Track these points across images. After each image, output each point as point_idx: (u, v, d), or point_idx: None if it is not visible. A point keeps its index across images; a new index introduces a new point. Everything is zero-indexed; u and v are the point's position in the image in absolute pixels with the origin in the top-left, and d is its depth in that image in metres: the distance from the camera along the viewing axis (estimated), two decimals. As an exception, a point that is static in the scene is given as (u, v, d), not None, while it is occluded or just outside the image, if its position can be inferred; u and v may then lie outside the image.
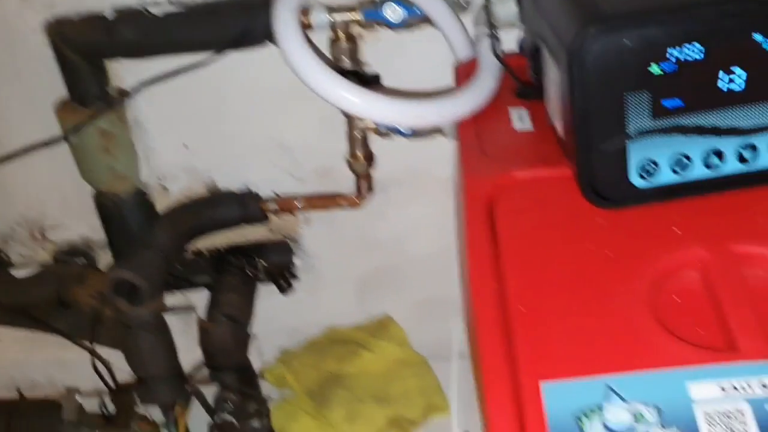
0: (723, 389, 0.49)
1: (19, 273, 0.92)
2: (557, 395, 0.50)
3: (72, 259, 0.96)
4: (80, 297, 0.89)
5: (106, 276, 0.91)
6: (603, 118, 0.52)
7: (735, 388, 0.49)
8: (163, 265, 0.85)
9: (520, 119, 0.70)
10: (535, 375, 0.51)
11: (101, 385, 0.98)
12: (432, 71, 0.86)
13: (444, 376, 1.02)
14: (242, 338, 0.88)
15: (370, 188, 0.93)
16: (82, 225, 0.98)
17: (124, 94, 0.87)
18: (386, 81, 0.86)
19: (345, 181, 0.94)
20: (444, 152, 0.85)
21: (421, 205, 0.97)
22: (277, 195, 0.96)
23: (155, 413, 0.94)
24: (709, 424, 0.47)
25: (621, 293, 0.54)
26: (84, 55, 0.83)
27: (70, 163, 0.90)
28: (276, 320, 1.02)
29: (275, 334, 1.03)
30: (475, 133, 0.70)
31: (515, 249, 0.59)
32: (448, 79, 0.85)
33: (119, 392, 0.93)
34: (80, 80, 0.84)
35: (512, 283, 0.56)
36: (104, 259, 0.99)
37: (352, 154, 0.90)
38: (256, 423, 0.90)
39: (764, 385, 0.48)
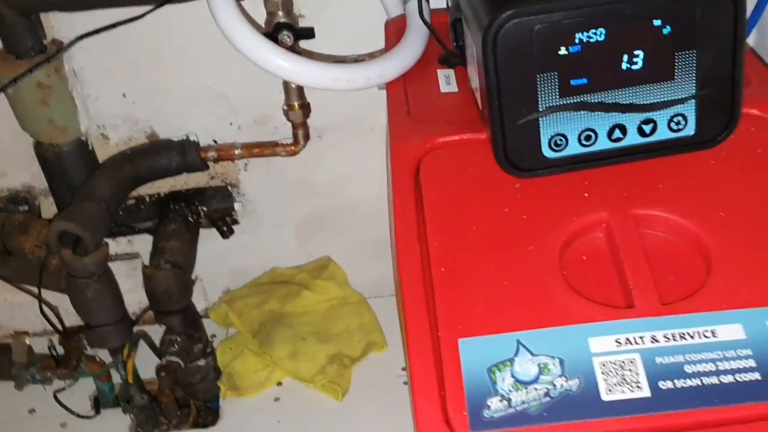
0: (618, 343, 0.54)
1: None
2: (473, 350, 0.55)
3: (14, 207, 0.98)
4: (25, 246, 0.91)
5: (49, 225, 0.94)
6: (516, 96, 0.55)
7: (629, 341, 0.54)
8: (105, 214, 0.87)
9: (447, 81, 0.73)
10: (453, 333, 0.56)
11: (50, 327, 1.01)
12: (366, 23, 0.89)
13: (381, 313, 1.08)
14: (185, 283, 0.92)
15: (306, 136, 0.96)
16: (24, 173, 0.99)
17: (60, 47, 0.87)
18: (320, 33, 0.88)
19: (283, 129, 0.97)
20: (379, 100, 0.87)
21: (356, 151, 1.01)
22: (216, 143, 0.98)
23: (104, 355, 0.98)
24: (604, 374, 0.53)
25: (534, 255, 0.59)
26: (19, 8, 0.83)
27: (9, 113, 0.91)
28: (219, 263, 1.06)
29: (219, 276, 1.07)
30: (403, 94, 0.74)
31: (438, 212, 0.63)
32: (381, 30, 0.87)
33: (67, 335, 0.96)
34: (16, 33, 0.85)
35: (434, 245, 0.61)
36: (46, 206, 1.01)
37: (288, 104, 0.93)
38: (201, 362, 0.94)
39: (654, 339, 0.54)
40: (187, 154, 0.95)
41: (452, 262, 0.60)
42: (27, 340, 0.96)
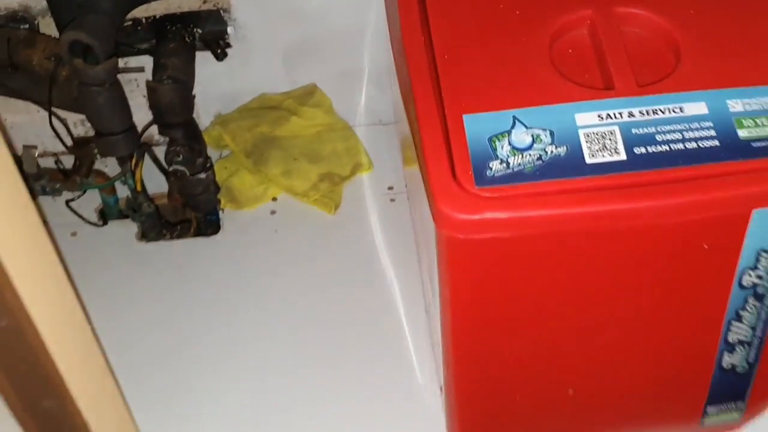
0: (600, 117, 0.63)
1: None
2: (476, 125, 0.63)
3: (15, 25, 1.01)
4: (32, 59, 0.95)
5: (56, 39, 0.98)
6: None
7: (609, 116, 0.63)
8: (112, 27, 0.92)
9: None
10: (458, 110, 0.64)
11: (54, 148, 1.07)
12: None
13: (365, 140, 1.16)
14: (186, 97, 0.98)
15: (299, -38, 1.01)
16: (21, -8, 1.02)
17: None
18: None
19: (276, -45, 1.01)
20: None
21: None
22: (211, -33, 1.02)
23: (111, 170, 1.05)
24: (588, 142, 0.62)
25: (527, 45, 0.67)
26: None
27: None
28: (211, 88, 1.11)
29: (211, 101, 1.13)
30: None
31: (439, 8, 0.70)
32: None
33: (78, 145, 1.02)
34: None
35: (437, 36, 0.68)
36: (44, 26, 1.04)
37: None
38: (202, 175, 1.02)
39: (630, 114, 0.63)
40: (183, -23, 0.99)
41: (454, 51, 0.67)
42: (35, 153, 1.02)
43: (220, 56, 1.06)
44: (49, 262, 0.58)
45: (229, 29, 1.06)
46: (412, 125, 0.69)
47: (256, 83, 1.14)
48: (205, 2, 1.05)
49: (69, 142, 1.04)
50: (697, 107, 0.63)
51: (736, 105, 0.63)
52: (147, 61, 1.03)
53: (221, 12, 1.06)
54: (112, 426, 0.67)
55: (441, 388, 0.82)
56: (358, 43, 1.13)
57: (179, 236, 1.07)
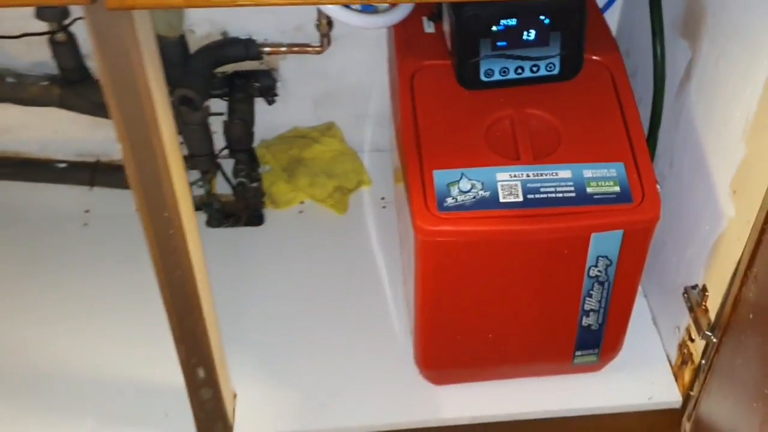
0: (510, 176, 1.09)
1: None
2: (440, 176, 1.08)
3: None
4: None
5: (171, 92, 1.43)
6: (469, 49, 1.08)
7: (515, 175, 1.09)
8: (204, 84, 1.38)
9: (428, 26, 1.24)
10: (431, 167, 1.09)
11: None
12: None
13: (366, 162, 1.62)
14: (249, 132, 1.44)
15: (329, 42, 1.46)
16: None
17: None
18: None
19: (313, 35, 1.47)
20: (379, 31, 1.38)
21: (360, 54, 1.52)
22: (268, 41, 1.47)
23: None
24: (502, 189, 1.08)
25: (472, 130, 1.13)
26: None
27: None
28: (260, 122, 1.56)
29: (259, 131, 1.58)
30: (403, 31, 1.25)
31: (425, 102, 1.16)
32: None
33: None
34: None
35: (422, 120, 1.14)
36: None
37: (319, 21, 1.42)
38: (255, 184, 1.48)
39: (527, 175, 1.09)
40: (249, 48, 1.44)
41: (430, 134, 1.14)
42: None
43: (270, 102, 1.51)
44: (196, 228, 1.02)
45: (278, 84, 1.52)
46: (403, 169, 1.16)
47: (291, 119, 1.60)
48: (261, 64, 1.51)
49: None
50: (565, 173, 1.10)
51: (587, 173, 1.10)
52: (215, 102, 1.49)
53: (272, 71, 1.52)
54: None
55: (411, 332, 1.29)
56: (364, 94, 1.59)
57: (234, 225, 1.53)
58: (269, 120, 1.57)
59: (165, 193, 0.89)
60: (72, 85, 1.40)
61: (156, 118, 0.84)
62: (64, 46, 1.37)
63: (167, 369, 1.25)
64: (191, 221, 0.98)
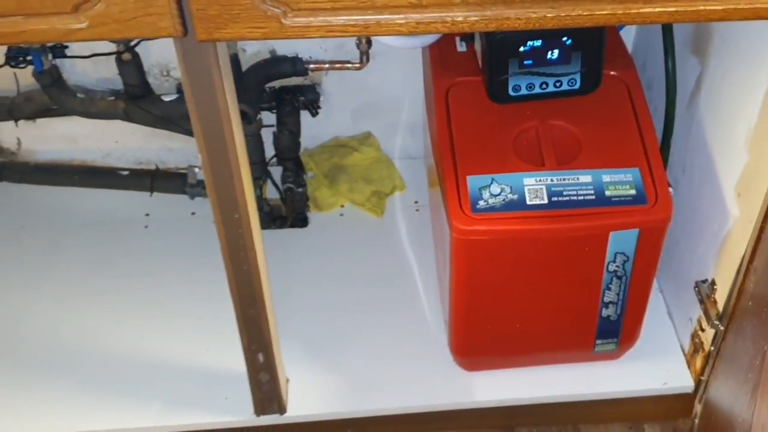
0: (536, 180, 1.22)
1: (165, 97, 1.56)
2: (473, 181, 1.22)
3: (189, 91, 1.60)
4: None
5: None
6: (498, 68, 1.21)
7: (540, 180, 1.22)
8: (256, 99, 1.52)
9: (461, 45, 1.38)
10: (464, 173, 1.22)
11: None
12: None
13: (400, 169, 1.76)
14: (296, 142, 1.58)
15: (367, 59, 1.59)
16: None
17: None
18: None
19: (353, 52, 1.60)
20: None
21: (396, 69, 1.65)
22: (312, 58, 1.61)
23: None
24: (528, 193, 1.20)
25: (502, 139, 1.26)
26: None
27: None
28: (304, 132, 1.70)
29: (303, 141, 1.72)
30: (438, 50, 1.38)
31: (458, 115, 1.29)
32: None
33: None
34: None
35: (456, 131, 1.27)
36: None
37: (359, 40, 1.56)
38: (301, 189, 1.61)
39: (551, 180, 1.22)
40: (295, 65, 1.58)
41: (465, 140, 1.27)
42: (196, 170, 1.62)
43: (314, 114, 1.65)
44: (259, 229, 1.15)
45: (321, 98, 1.65)
46: (439, 175, 1.29)
47: (333, 130, 1.74)
48: (305, 79, 1.64)
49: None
50: (586, 178, 1.22)
51: (606, 177, 1.21)
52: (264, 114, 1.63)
53: (316, 86, 1.65)
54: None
55: (445, 322, 1.42)
56: (399, 107, 1.72)
57: (281, 227, 1.66)
58: (312, 130, 1.71)
59: (237, 197, 1.03)
60: (135, 100, 1.54)
61: (232, 131, 0.97)
62: (129, 65, 1.51)
63: (225, 356, 1.39)
64: (256, 222, 1.11)
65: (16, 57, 1.49)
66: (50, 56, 1.49)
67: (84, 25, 0.82)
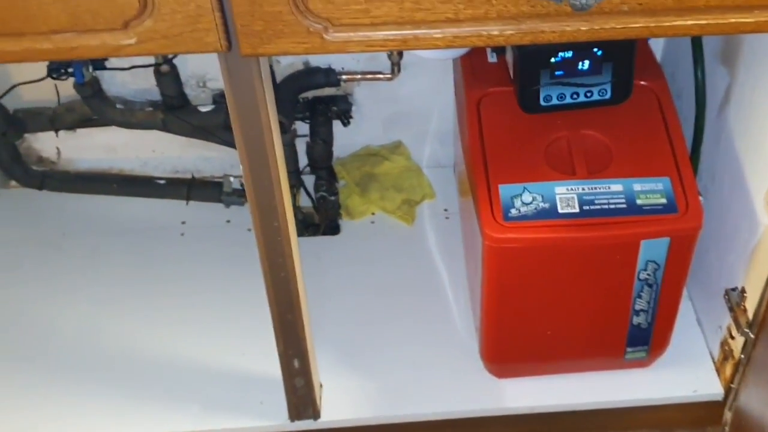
0: (567, 189, 1.24)
1: (201, 108, 1.60)
2: (505, 190, 1.23)
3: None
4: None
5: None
6: (530, 79, 1.24)
7: (572, 189, 1.24)
8: (291, 109, 1.55)
9: (492, 56, 1.40)
10: (496, 182, 1.24)
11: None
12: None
13: (430, 177, 1.78)
14: (329, 151, 1.61)
15: (399, 70, 1.62)
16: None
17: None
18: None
19: (384, 63, 1.63)
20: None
21: (426, 79, 1.67)
22: (344, 69, 1.64)
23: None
24: (560, 201, 1.23)
25: (533, 149, 1.28)
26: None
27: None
28: (337, 141, 1.73)
29: (335, 150, 1.75)
30: (469, 61, 1.41)
31: (490, 125, 1.31)
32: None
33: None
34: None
35: (488, 141, 1.30)
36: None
37: (391, 51, 1.58)
38: (333, 198, 1.64)
39: (582, 189, 1.24)
40: (328, 76, 1.61)
41: (496, 150, 1.29)
42: (232, 179, 1.65)
43: (346, 124, 1.68)
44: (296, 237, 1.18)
45: (353, 108, 1.68)
46: (471, 184, 1.31)
47: (364, 139, 1.76)
48: (337, 90, 1.67)
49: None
50: (617, 187, 1.23)
51: (637, 186, 1.23)
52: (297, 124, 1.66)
53: (348, 96, 1.68)
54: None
55: (476, 329, 1.44)
56: (428, 116, 1.75)
57: (314, 234, 1.69)
58: (344, 140, 1.73)
59: (276, 206, 1.06)
60: (173, 111, 1.58)
61: (273, 142, 1.00)
62: (167, 76, 1.55)
63: (261, 362, 1.42)
64: (293, 230, 1.14)
65: (57, 69, 1.53)
66: (91, 68, 1.53)
67: (133, 41, 0.85)
